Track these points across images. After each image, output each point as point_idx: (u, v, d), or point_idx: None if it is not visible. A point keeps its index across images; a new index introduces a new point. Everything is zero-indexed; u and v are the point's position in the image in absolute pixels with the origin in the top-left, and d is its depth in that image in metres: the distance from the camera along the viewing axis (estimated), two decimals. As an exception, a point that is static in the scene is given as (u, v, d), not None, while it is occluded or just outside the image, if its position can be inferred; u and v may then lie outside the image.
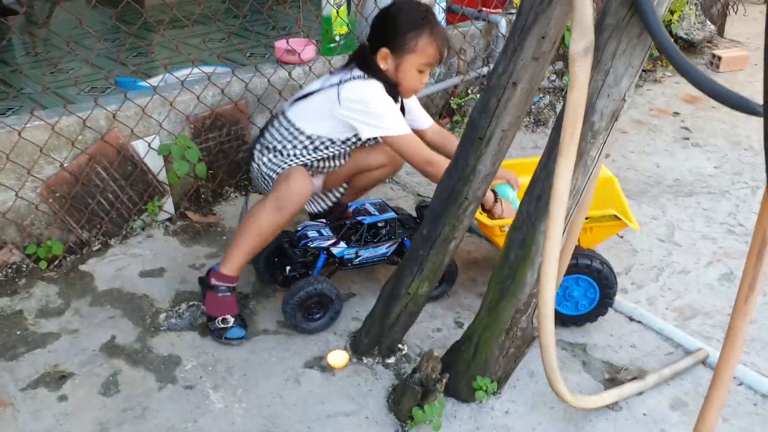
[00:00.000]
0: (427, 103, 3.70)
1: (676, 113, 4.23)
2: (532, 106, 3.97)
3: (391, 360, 2.28)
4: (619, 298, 2.55)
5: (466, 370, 2.07)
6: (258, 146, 2.45)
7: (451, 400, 2.13)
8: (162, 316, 2.45)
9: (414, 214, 2.61)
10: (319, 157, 2.41)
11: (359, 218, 2.43)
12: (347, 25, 3.16)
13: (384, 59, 2.28)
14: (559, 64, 4.27)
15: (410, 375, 2.02)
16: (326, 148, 2.39)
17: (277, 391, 2.15)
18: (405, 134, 2.27)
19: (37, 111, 2.54)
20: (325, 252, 2.41)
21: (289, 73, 3.06)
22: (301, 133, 2.37)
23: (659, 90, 4.50)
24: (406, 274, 2.14)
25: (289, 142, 2.38)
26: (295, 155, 2.38)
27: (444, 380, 1.95)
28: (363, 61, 2.31)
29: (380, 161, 2.61)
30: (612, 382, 2.23)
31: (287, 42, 3.01)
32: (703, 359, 2.32)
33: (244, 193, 2.70)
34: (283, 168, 2.35)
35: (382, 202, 2.53)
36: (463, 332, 2.15)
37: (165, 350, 2.30)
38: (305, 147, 2.38)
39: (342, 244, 2.41)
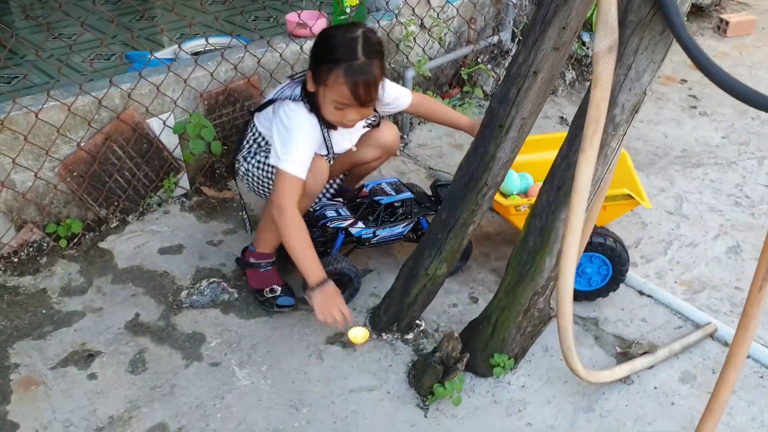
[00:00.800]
0: (437, 74, 3.70)
1: (684, 80, 4.24)
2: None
3: (410, 336, 2.35)
4: (629, 272, 2.62)
5: (484, 348, 2.14)
6: (240, 157, 2.43)
7: (469, 374, 2.20)
8: (183, 293, 2.50)
9: (428, 191, 2.65)
10: None
11: (376, 198, 2.47)
12: (359, -3, 3.15)
13: (310, 81, 2.16)
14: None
15: (431, 354, 2.09)
16: None
17: (301, 367, 2.23)
18: (293, 176, 2.13)
19: (53, 91, 2.56)
20: (343, 231, 2.45)
21: (301, 47, 3.06)
22: (268, 141, 2.36)
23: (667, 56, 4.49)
24: (425, 256, 2.20)
25: (269, 144, 2.37)
26: None
27: (465, 359, 2.02)
28: (305, 79, 2.20)
29: (374, 155, 2.58)
30: (624, 356, 2.30)
31: (299, 15, 3.00)
32: (711, 333, 2.39)
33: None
34: None
35: (398, 182, 2.56)
36: (480, 310, 2.22)
37: (189, 328, 2.37)
38: None
39: (360, 224, 2.45)
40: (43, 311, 2.41)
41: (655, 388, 2.21)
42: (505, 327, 2.09)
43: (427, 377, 2.07)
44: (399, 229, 2.52)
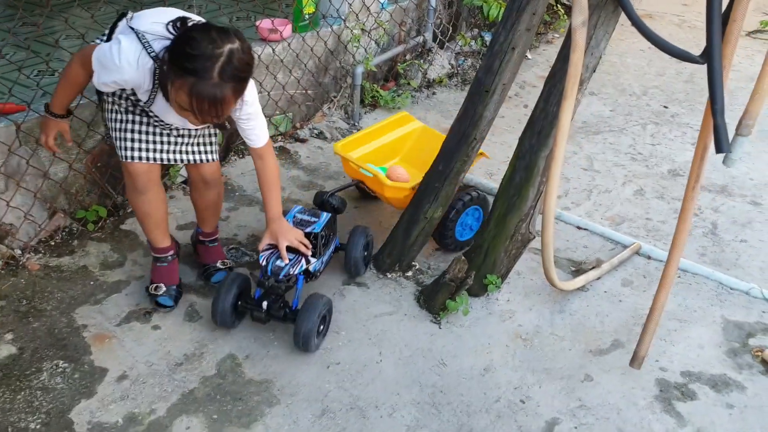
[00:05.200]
0: (374, 71, 4.26)
1: (571, 68, 5.05)
2: (458, 68, 4.63)
3: (409, 274, 2.88)
4: (566, 213, 3.28)
5: (477, 272, 2.70)
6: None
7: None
8: (209, 259, 2.90)
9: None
10: None
11: (308, 230, 2.53)
12: (314, 5, 3.66)
13: (163, 61, 2.00)
14: (474, 31, 4.95)
15: (441, 276, 2.63)
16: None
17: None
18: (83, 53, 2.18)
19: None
20: (302, 274, 2.49)
21: (273, 50, 3.53)
22: None
23: (553, 50, 5.29)
24: (423, 203, 2.73)
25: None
26: None
27: (472, 276, 2.58)
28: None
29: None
30: (577, 272, 2.95)
31: (272, 22, 3.47)
32: (637, 250, 3.09)
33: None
34: None
35: (303, 208, 2.68)
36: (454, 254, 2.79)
37: (225, 284, 2.78)
38: None
39: (312, 259, 2.50)
40: (91, 283, 2.74)
41: (605, 291, 2.86)
42: (495, 251, 2.67)
43: (441, 295, 2.61)
44: (331, 248, 2.71)
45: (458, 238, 2.95)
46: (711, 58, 1.98)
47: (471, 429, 2.23)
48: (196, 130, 2.42)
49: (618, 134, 4.16)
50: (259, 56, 3.47)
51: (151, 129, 2.35)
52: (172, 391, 2.30)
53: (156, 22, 2.08)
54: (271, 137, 3.59)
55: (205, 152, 2.50)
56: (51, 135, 2.43)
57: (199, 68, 1.89)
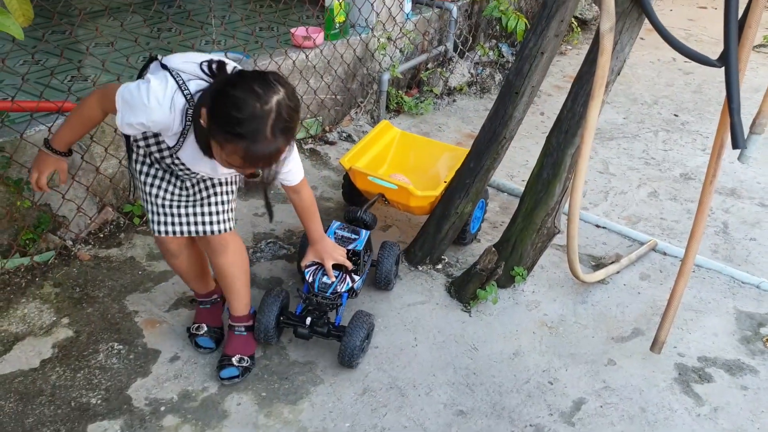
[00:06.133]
0: (400, 78, 4.44)
1: (584, 78, 5.24)
2: (477, 77, 4.82)
3: (439, 267, 3.05)
4: (584, 212, 3.45)
5: (504, 264, 2.87)
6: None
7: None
8: (249, 251, 3.07)
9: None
10: None
11: (350, 247, 2.59)
12: (345, 14, 3.85)
13: (203, 118, 1.81)
14: (492, 42, 5.14)
15: (473, 266, 2.79)
16: None
17: (366, 293, 2.86)
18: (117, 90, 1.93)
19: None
20: (346, 292, 2.54)
21: (306, 56, 3.72)
22: None
23: (566, 61, 5.49)
24: (454, 199, 2.90)
25: None
26: None
27: (501, 266, 2.74)
28: (192, 104, 1.89)
29: None
30: (598, 267, 3.11)
31: (306, 30, 3.65)
32: (653, 247, 3.25)
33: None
34: None
35: (342, 224, 2.73)
36: (483, 248, 2.95)
37: (266, 274, 2.95)
38: None
39: (356, 277, 2.58)
40: (140, 273, 2.91)
41: (624, 284, 3.03)
42: (522, 244, 2.83)
43: (471, 285, 2.77)
44: (369, 262, 2.77)
45: (472, 231, 3.13)
46: (728, 60, 2.15)
47: (503, 407, 2.39)
48: (219, 181, 2.27)
49: (631, 140, 4.34)
50: (293, 62, 3.65)
51: (176, 192, 2.22)
52: (222, 371, 2.45)
53: (187, 62, 1.94)
54: (301, 139, 3.81)
55: (225, 220, 2.32)
56: (45, 173, 2.17)
57: (251, 132, 1.74)
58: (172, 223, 2.26)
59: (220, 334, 2.57)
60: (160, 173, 2.19)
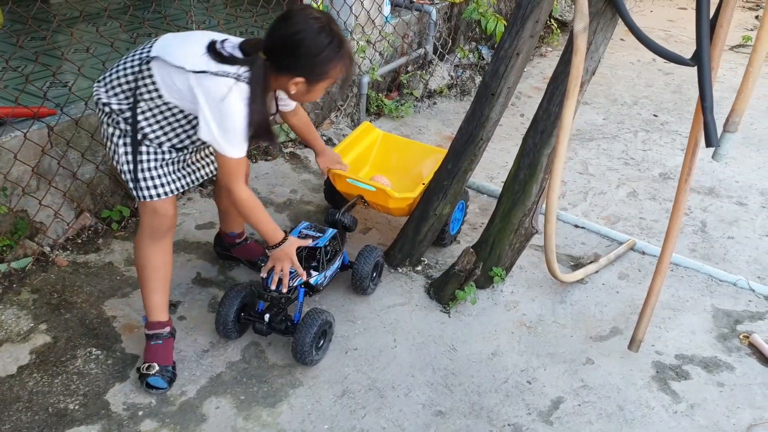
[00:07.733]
0: (379, 81, 4.45)
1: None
2: (457, 79, 4.83)
3: (419, 268, 3.05)
4: (564, 213, 3.47)
5: (483, 265, 2.88)
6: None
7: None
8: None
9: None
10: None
11: (312, 244, 2.60)
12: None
13: (296, 85, 2.13)
14: (472, 44, 5.16)
15: (451, 267, 2.80)
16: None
17: (346, 295, 2.86)
18: (238, 159, 2.15)
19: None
20: (302, 286, 2.56)
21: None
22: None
23: (546, 63, 5.53)
24: (433, 200, 2.91)
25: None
26: None
27: (479, 267, 2.75)
28: (257, 72, 2.08)
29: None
30: (576, 266, 3.12)
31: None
32: (632, 246, 3.27)
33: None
34: None
35: (311, 224, 2.75)
36: (461, 249, 2.96)
37: (245, 278, 2.94)
38: None
39: (313, 273, 2.58)
40: (118, 278, 2.89)
41: (603, 284, 3.04)
42: (500, 245, 2.84)
43: (450, 286, 2.78)
44: (336, 263, 2.74)
45: (451, 232, 3.14)
46: (701, 59, 2.17)
47: (482, 407, 2.39)
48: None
49: (611, 141, 4.37)
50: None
51: (179, 159, 2.35)
52: (200, 375, 2.44)
53: (191, 53, 2.08)
54: (282, 143, 3.81)
55: None
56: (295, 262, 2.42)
57: (335, 42, 2.08)
58: (172, 181, 2.33)
59: (173, 374, 2.41)
60: (167, 156, 2.30)
